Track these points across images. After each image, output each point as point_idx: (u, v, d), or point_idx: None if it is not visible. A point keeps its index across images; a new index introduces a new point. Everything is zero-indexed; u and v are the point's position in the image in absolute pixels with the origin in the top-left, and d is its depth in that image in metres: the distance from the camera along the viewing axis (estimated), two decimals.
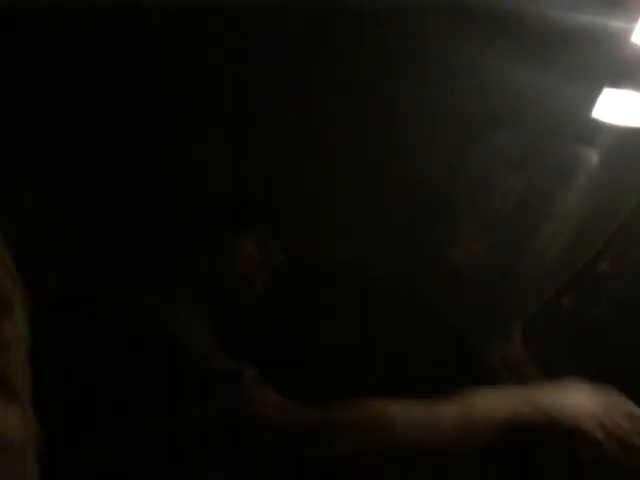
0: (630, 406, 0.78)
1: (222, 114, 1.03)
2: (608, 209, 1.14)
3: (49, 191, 0.96)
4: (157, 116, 1.01)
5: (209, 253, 0.99)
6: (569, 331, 1.25)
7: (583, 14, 0.84)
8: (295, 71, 1.05)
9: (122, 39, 0.96)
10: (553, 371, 1.25)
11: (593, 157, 1.12)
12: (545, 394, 0.77)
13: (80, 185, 0.97)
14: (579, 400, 0.76)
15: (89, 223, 0.96)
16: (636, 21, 0.84)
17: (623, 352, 1.21)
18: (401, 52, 1.06)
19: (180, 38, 0.99)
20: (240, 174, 1.03)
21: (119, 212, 0.97)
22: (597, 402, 0.77)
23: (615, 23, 0.84)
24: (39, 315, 0.57)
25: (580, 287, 1.23)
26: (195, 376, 0.82)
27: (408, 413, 0.79)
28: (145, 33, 0.96)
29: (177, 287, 0.97)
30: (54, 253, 0.92)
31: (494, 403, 0.78)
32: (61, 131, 0.98)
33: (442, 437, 0.76)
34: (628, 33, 0.85)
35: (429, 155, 1.16)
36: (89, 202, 0.97)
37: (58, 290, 0.88)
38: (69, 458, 0.73)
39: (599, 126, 1.03)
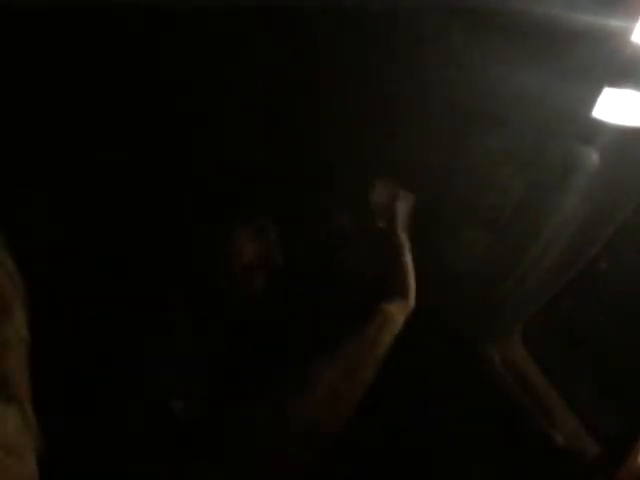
0: None
1: (222, 108, 1.03)
2: (608, 209, 1.14)
3: (47, 189, 0.96)
4: (155, 110, 1.01)
5: (205, 248, 0.99)
6: (569, 331, 1.25)
7: (583, 13, 0.84)
8: (295, 69, 1.05)
9: (122, 38, 0.96)
10: (553, 371, 1.25)
11: (593, 157, 1.12)
12: None
13: (77, 182, 0.97)
14: None
15: (85, 218, 0.96)
16: (636, 20, 0.84)
17: (623, 352, 1.21)
18: (401, 52, 1.05)
19: (179, 36, 0.99)
20: (239, 168, 1.03)
21: (115, 208, 0.97)
22: None
23: (615, 22, 0.84)
24: (38, 312, 0.57)
25: (580, 287, 1.23)
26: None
27: None
28: (144, 33, 0.96)
29: (170, 283, 0.97)
30: (51, 251, 0.92)
31: None
32: (60, 129, 0.97)
33: None
34: (628, 32, 0.85)
35: (429, 155, 1.16)
36: (86, 198, 0.97)
37: (56, 287, 0.88)
38: (68, 458, 0.73)
39: (599, 125, 1.03)
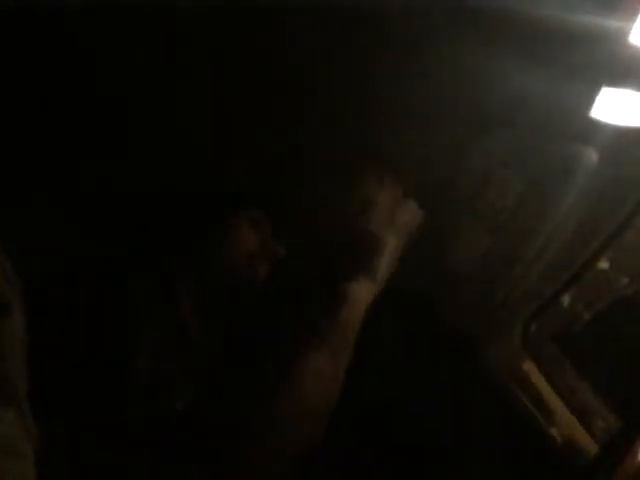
0: None
1: (220, 105, 1.03)
2: (607, 208, 1.14)
3: (48, 188, 0.96)
4: (152, 105, 1.01)
5: (204, 241, 0.99)
6: (568, 331, 1.25)
7: (581, 14, 0.84)
8: (294, 69, 1.05)
9: (116, 40, 0.97)
10: (553, 371, 1.25)
11: (592, 157, 1.12)
12: None
13: (79, 179, 0.97)
14: None
15: (86, 217, 0.96)
16: (634, 21, 0.84)
17: (623, 352, 1.21)
18: (400, 52, 1.06)
19: (179, 36, 0.99)
20: (239, 163, 1.03)
21: (116, 202, 0.97)
22: None
23: (613, 23, 0.84)
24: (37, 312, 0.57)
25: (579, 287, 1.23)
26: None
27: None
28: (139, 33, 0.97)
29: (170, 278, 0.97)
30: (53, 250, 0.92)
31: None
32: (59, 129, 0.98)
33: None
34: (626, 33, 0.85)
35: (429, 155, 1.16)
36: (87, 196, 0.97)
37: (56, 284, 0.89)
38: (67, 458, 0.73)
39: (598, 126, 1.03)
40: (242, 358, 0.99)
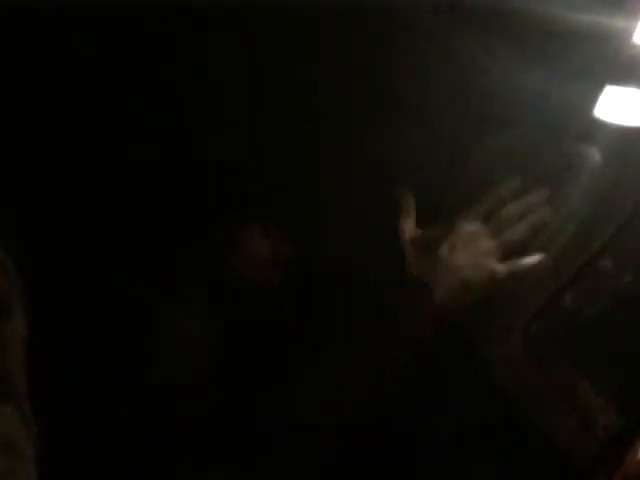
0: None
1: (225, 110, 1.03)
2: (610, 207, 1.14)
3: (48, 188, 0.96)
4: (160, 111, 1.01)
5: (213, 248, 0.99)
6: (569, 331, 1.25)
7: (584, 14, 0.84)
8: (295, 70, 1.05)
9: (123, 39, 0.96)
10: (553, 371, 1.25)
11: (595, 156, 1.12)
12: None
13: (78, 181, 0.97)
14: None
15: (87, 217, 0.96)
16: (637, 21, 0.84)
17: (623, 352, 1.21)
18: (400, 51, 1.05)
19: (181, 37, 0.99)
20: (246, 170, 1.03)
21: (120, 205, 0.97)
22: None
23: (616, 23, 0.84)
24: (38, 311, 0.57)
25: (581, 286, 1.23)
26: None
27: None
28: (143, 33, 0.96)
29: (177, 283, 0.97)
30: (53, 250, 0.92)
31: None
32: (60, 130, 0.97)
33: None
34: (630, 32, 0.85)
35: (429, 155, 1.16)
36: (88, 197, 0.97)
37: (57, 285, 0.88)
38: (68, 458, 0.73)
39: (600, 125, 1.03)
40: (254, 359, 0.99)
